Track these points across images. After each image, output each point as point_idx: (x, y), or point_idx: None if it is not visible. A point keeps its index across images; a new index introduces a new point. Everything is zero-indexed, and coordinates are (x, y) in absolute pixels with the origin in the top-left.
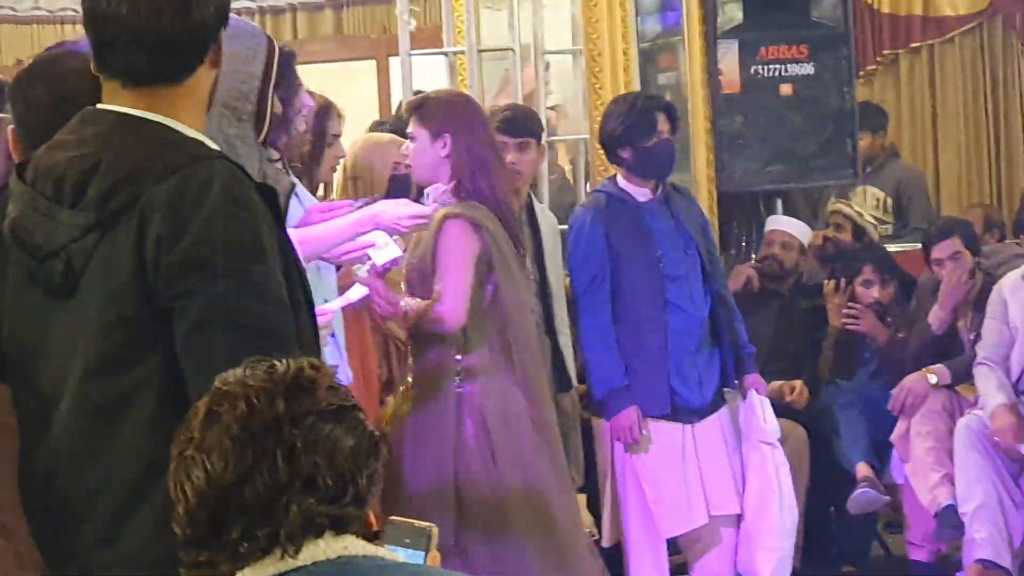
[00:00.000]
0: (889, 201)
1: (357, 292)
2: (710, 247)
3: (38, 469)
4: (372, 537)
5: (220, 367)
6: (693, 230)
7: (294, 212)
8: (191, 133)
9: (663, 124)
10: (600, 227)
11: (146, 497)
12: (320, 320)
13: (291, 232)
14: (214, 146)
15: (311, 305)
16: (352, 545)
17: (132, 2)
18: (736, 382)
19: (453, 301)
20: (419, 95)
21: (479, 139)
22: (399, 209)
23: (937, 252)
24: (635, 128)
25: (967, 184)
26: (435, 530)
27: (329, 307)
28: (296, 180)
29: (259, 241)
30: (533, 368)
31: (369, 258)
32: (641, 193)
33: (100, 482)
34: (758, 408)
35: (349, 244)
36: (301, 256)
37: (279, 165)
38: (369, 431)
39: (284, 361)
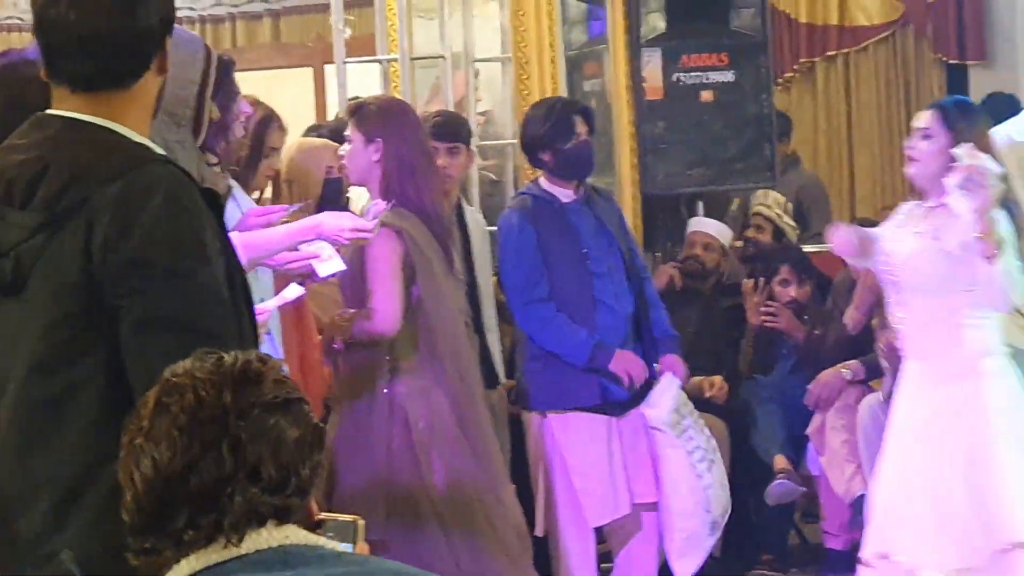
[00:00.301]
0: (790, 206)
1: (293, 292)
2: (631, 245)
3: None
4: (314, 527)
5: (162, 366)
6: (613, 228)
7: (231, 214)
8: (137, 138)
9: (581, 126)
10: (529, 226)
11: (86, 493)
12: (258, 320)
13: (232, 235)
14: (159, 150)
15: (251, 306)
16: (293, 534)
17: (80, 9)
18: (655, 365)
19: (386, 309)
20: (358, 100)
21: (411, 145)
22: (341, 221)
23: None
24: (554, 131)
25: (881, 187)
26: (361, 523)
27: (266, 306)
28: (234, 183)
29: (203, 243)
30: (462, 368)
31: (313, 269)
32: (564, 194)
33: (41, 478)
34: (656, 392)
35: (294, 254)
36: (243, 260)
37: (217, 169)
38: (313, 423)
39: (232, 354)
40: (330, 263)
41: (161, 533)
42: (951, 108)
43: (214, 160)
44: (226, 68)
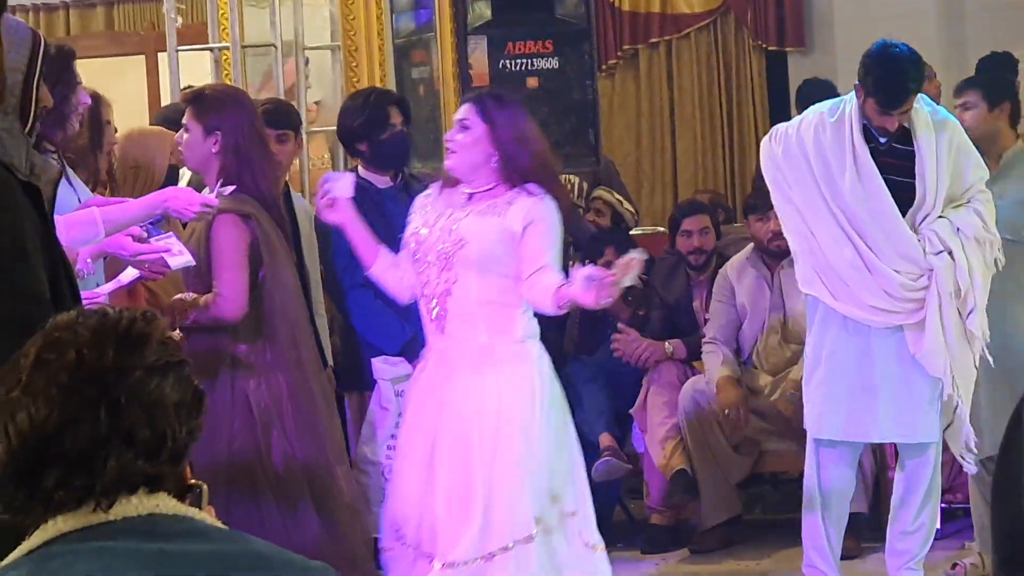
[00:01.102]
0: (585, 186)
1: (128, 275)
2: None
3: None
4: (186, 490)
5: None
6: None
7: (67, 199)
8: None
9: (396, 117)
10: None
11: None
12: (94, 304)
13: (78, 216)
14: None
15: (77, 296)
16: (164, 504)
17: None
18: None
19: (233, 294)
20: (194, 89)
21: (247, 135)
22: (189, 196)
23: (688, 224)
24: (369, 123)
25: (703, 170)
26: (205, 487)
27: (101, 291)
28: (70, 169)
29: (20, 239)
30: (301, 352)
31: (164, 262)
32: (381, 181)
33: None
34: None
35: (146, 246)
36: (102, 233)
37: (53, 158)
38: (194, 386)
39: (117, 310)
40: (181, 257)
41: (31, 489)
42: (488, 100)
43: (51, 149)
44: (66, 58)
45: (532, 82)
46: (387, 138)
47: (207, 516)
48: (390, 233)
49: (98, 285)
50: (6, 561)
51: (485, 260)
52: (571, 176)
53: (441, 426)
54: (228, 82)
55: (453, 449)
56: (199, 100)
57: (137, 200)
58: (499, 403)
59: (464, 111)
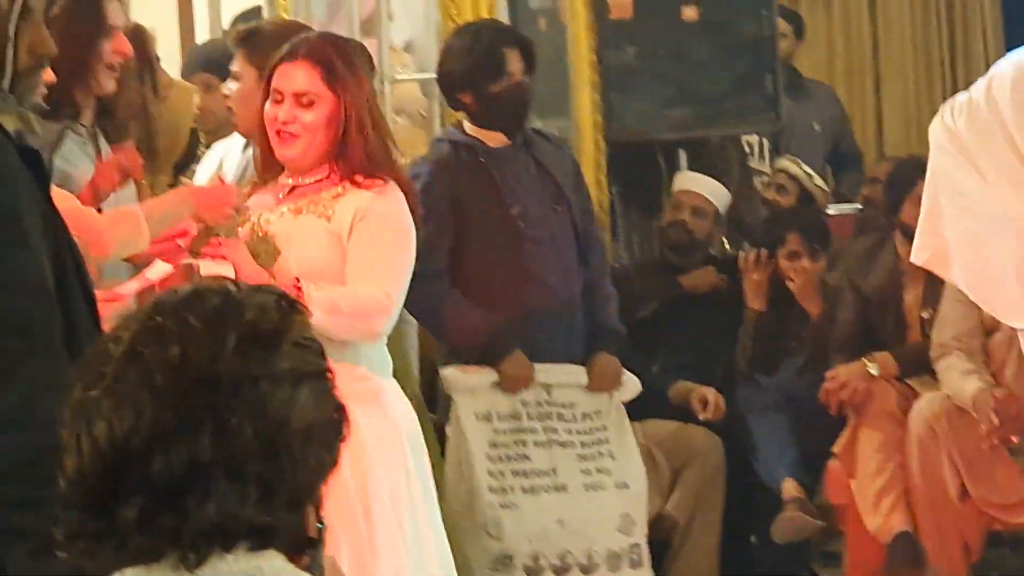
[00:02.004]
0: (767, 150)
1: (159, 270)
2: (585, 205)
3: None
4: (305, 544)
5: None
6: (564, 180)
7: (72, 158)
8: None
9: (515, 63)
10: (440, 183)
11: None
12: (114, 307)
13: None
14: None
15: (89, 292)
16: (270, 567)
17: None
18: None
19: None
20: (248, 25)
21: None
22: (221, 195)
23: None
24: (478, 68)
25: (916, 127)
26: (324, 528)
27: (124, 290)
28: (78, 133)
29: (16, 217)
30: None
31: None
32: (494, 138)
33: None
34: None
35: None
36: (147, 240)
37: (81, 127)
38: (334, 406)
39: (246, 290)
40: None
41: (103, 520)
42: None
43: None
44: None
45: (689, 12)
46: (500, 91)
47: None
48: (500, 206)
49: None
50: None
51: (308, 271)
52: (749, 137)
53: None
54: (285, 14)
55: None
56: (253, 39)
57: (153, 202)
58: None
59: (304, 79)
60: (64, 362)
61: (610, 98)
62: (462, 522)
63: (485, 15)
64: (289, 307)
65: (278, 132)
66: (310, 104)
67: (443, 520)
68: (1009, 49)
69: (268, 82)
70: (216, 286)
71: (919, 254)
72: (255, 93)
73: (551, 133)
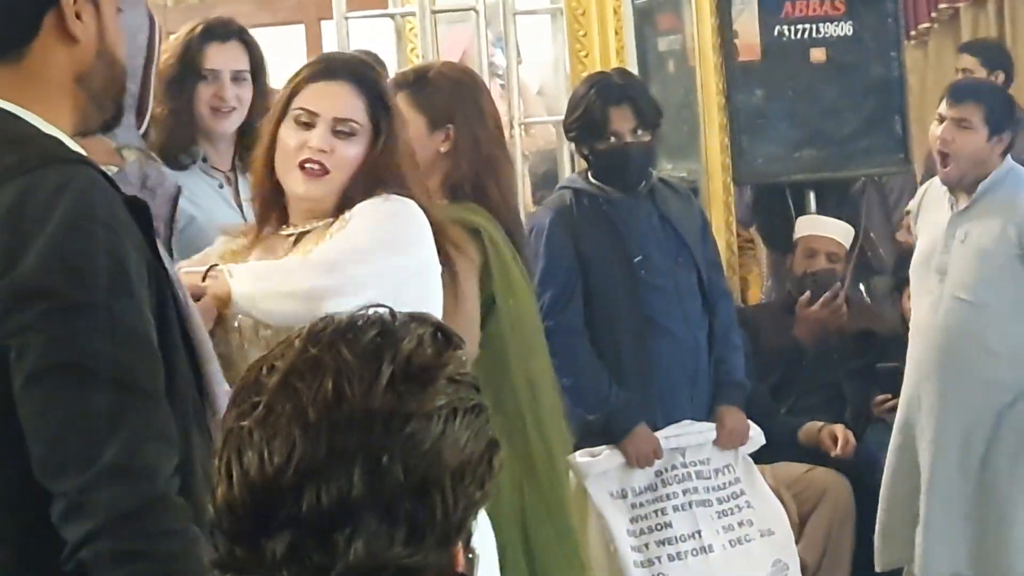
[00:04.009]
0: (893, 192)
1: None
2: (710, 255)
3: None
4: None
5: (62, 425)
6: (687, 233)
7: (209, 210)
8: (48, 128)
9: (620, 122)
10: (563, 232)
11: None
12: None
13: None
14: (75, 146)
15: (193, 347)
16: None
17: None
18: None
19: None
20: (417, 66)
21: (488, 131)
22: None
23: None
24: (583, 127)
25: None
26: (477, 557)
27: None
28: (208, 174)
29: (122, 267)
30: None
31: None
32: (614, 189)
33: None
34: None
35: None
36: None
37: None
38: (487, 441)
39: (401, 319)
40: None
41: (251, 552)
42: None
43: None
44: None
45: (817, 54)
46: (606, 149)
47: None
48: (622, 254)
49: None
50: None
51: None
52: (876, 176)
53: None
54: (413, 58)
55: None
56: (421, 82)
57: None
58: None
59: (348, 103)
60: (167, 414)
61: (739, 141)
62: None
63: (613, 58)
64: (445, 340)
65: (302, 164)
66: (351, 135)
67: None
68: None
69: (287, 100)
70: (372, 316)
71: None
72: (424, 140)
73: (678, 183)
